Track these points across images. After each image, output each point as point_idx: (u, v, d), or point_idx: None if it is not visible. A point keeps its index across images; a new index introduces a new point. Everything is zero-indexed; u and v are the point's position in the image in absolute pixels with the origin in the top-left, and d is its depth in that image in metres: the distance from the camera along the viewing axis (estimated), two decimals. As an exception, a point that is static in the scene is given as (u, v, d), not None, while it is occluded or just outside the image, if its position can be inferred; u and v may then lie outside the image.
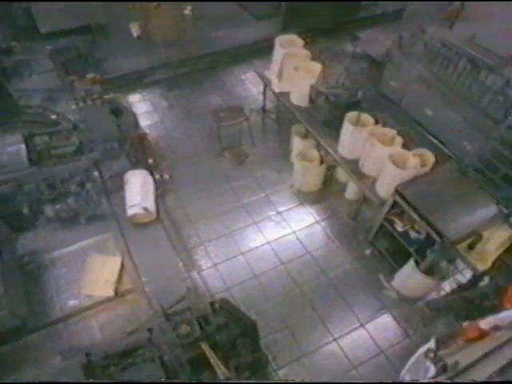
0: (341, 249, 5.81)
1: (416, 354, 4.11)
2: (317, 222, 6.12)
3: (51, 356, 4.19)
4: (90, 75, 6.89)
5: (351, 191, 6.29)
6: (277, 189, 6.51)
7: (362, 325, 5.11)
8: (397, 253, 5.41)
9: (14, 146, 5.31)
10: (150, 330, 4.15)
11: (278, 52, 6.48)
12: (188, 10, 8.48)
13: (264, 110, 7.69)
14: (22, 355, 4.58)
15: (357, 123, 5.54)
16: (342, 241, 5.89)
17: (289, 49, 6.43)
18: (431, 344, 4.01)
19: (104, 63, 7.78)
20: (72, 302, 5.04)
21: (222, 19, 9.18)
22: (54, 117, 6.06)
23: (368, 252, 5.78)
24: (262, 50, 8.30)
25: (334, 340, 4.97)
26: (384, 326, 5.10)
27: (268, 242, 5.85)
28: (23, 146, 5.35)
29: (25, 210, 5.45)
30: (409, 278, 5.13)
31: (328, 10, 8.96)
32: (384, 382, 4.67)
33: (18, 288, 4.89)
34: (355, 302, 5.28)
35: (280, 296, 5.30)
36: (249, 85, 8.34)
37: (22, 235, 5.54)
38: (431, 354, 3.76)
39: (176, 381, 3.77)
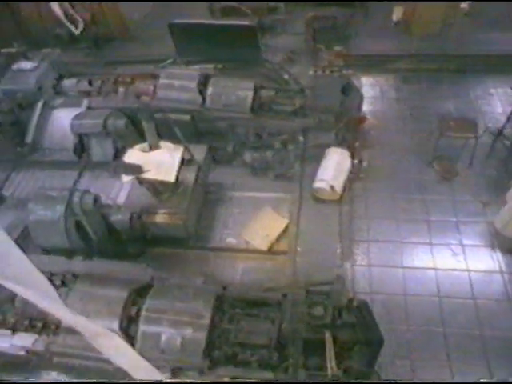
0: (514, 313, 5.00)
1: None
2: (501, 272, 5.32)
3: (196, 275, 4.76)
4: (337, 48, 7.12)
5: (562, 256, 5.20)
6: (472, 220, 5.82)
7: (494, 398, 4.44)
8: None
9: (244, 92, 5.95)
10: (284, 295, 4.37)
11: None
12: (466, 3, 7.84)
13: (500, 132, 6.75)
14: (175, 262, 5.38)
15: None
16: (521, 305, 5.04)
17: None
18: None
19: (352, 39, 7.88)
20: (230, 240, 5.61)
21: (497, 20, 8.07)
22: (286, 76, 6.54)
23: (545, 331, 4.82)
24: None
25: (456, 397, 4.46)
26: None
27: (435, 269, 5.38)
28: (251, 94, 5.95)
29: (229, 148, 6.14)
30: None
31: None
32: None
33: (196, 209, 5.61)
34: (499, 373, 4.54)
35: (419, 326, 4.91)
36: (495, 101, 7.38)
37: (217, 168, 6.23)
38: None
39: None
